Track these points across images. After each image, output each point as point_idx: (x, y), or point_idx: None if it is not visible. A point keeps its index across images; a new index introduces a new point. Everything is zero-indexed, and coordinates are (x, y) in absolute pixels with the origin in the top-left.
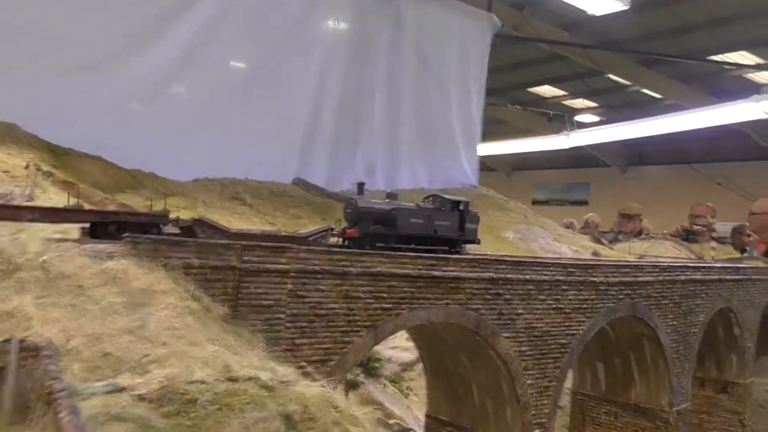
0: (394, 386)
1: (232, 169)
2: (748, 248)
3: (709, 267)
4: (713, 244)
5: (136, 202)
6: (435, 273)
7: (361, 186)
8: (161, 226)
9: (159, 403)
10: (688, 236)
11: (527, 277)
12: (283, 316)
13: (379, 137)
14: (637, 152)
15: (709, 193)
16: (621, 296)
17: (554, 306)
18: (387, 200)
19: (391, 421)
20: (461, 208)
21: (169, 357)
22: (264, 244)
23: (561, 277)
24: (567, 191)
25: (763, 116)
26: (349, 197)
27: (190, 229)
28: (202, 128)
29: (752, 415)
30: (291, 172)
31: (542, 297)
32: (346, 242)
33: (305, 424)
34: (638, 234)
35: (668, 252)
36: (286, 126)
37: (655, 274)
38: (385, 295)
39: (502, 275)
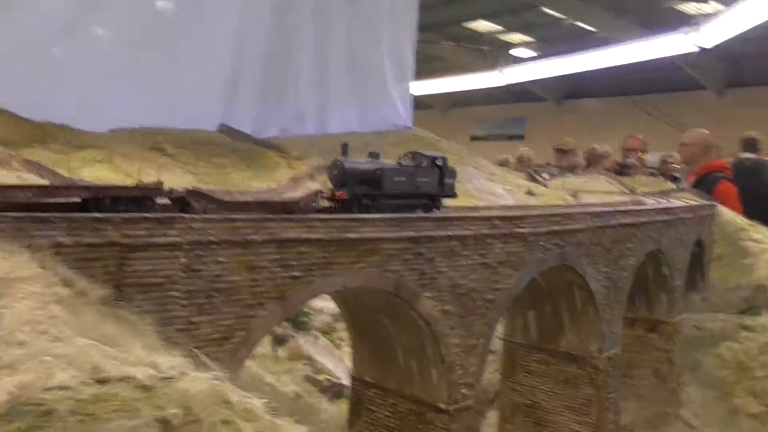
0: (325, 337)
1: (152, 118)
2: (678, 177)
3: (639, 210)
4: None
5: (46, 157)
6: (350, 235)
7: (345, 146)
8: (154, 198)
9: (6, 420)
10: (621, 170)
11: (450, 233)
12: (176, 293)
13: (307, 79)
14: (572, 85)
15: (644, 125)
16: (550, 246)
17: (480, 261)
18: (370, 160)
19: (320, 377)
20: (439, 164)
21: (26, 359)
22: (149, 215)
23: (486, 231)
24: (504, 126)
25: (694, 49)
26: (335, 159)
27: (183, 200)
28: (118, 74)
29: (680, 351)
30: (215, 119)
31: (467, 253)
32: (335, 205)
33: (186, 428)
34: (573, 169)
35: (602, 187)
36: (208, 70)
37: (585, 221)
38: (294, 262)
39: (423, 233)
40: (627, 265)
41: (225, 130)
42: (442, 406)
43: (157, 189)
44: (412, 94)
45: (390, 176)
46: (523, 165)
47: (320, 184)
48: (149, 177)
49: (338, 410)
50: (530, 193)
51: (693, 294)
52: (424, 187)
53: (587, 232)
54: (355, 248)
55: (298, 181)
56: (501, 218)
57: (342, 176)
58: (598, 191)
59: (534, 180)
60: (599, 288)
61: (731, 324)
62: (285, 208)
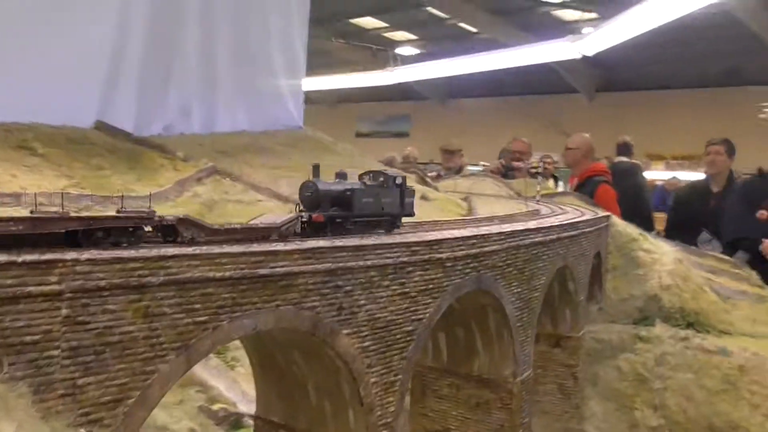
0: (218, 357)
1: (19, 112)
2: (558, 176)
3: (548, 228)
4: (537, 182)
5: None
6: (261, 271)
7: (316, 167)
8: (144, 227)
9: None
10: (507, 172)
11: (369, 263)
12: (56, 352)
13: (193, 74)
14: (455, 85)
15: (524, 126)
16: (467, 270)
17: (399, 291)
18: (338, 180)
19: (215, 407)
20: (399, 183)
21: None
22: (21, 259)
23: (405, 258)
24: (389, 123)
25: (578, 56)
26: (307, 180)
27: (173, 228)
28: None
29: (583, 366)
30: (91, 115)
31: (386, 283)
32: (309, 228)
33: None
34: (459, 170)
35: (490, 189)
36: (83, 60)
37: (500, 243)
38: (198, 305)
39: (341, 264)
40: (538, 284)
41: (102, 127)
42: None
43: (150, 218)
44: (303, 92)
45: (359, 197)
46: (409, 164)
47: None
48: (16, 181)
49: None
50: (424, 197)
51: (591, 305)
52: (387, 206)
53: (502, 253)
54: (268, 285)
55: (183, 184)
56: (420, 243)
57: (316, 198)
58: (488, 194)
59: (425, 182)
60: (513, 310)
61: (628, 335)
62: (265, 234)
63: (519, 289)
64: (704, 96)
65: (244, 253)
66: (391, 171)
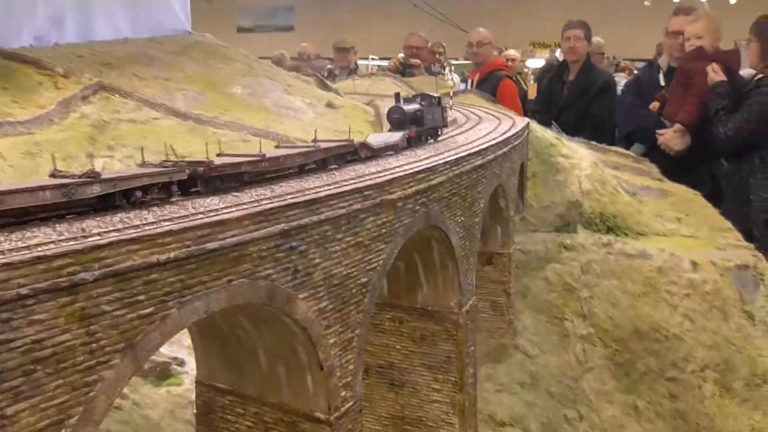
0: None
1: None
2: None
3: (487, 148)
4: (450, 79)
5: None
6: (210, 246)
7: (397, 95)
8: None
9: None
10: (404, 70)
11: (323, 216)
12: None
13: None
14: None
15: (416, 19)
16: (417, 207)
17: (353, 242)
18: (407, 103)
19: None
20: (439, 102)
21: None
22: None
23: (358, 205)
24: (272, 17)
25: None
26: (394, 105)
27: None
28: None
29: (514, 281)
30: None
31: (340, 235)
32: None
33: None
34: (354, 70)
35: (390, 89)
36: None
37: (446, 173)
38: (141, 296)
39: (294, 223)
40: (478, 209)
41: None
42: (321, 416)
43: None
44: None
45: (426, 115)
46: (303, 63)
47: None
48: None
49: (170, 398)
50: (330, 105)
51: (515, 216)
52: (436, 121)
53: (447, 183)
54: (219, 259)
55: (68, 105)
56: (372, 186)
57: (403, 119)
58: (386, 94)
59: (325, 86)
60: (457, 240)
61: (552, 244)
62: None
63: (462, 218)
64: None
65: (188, 228)
66: (433, 94)
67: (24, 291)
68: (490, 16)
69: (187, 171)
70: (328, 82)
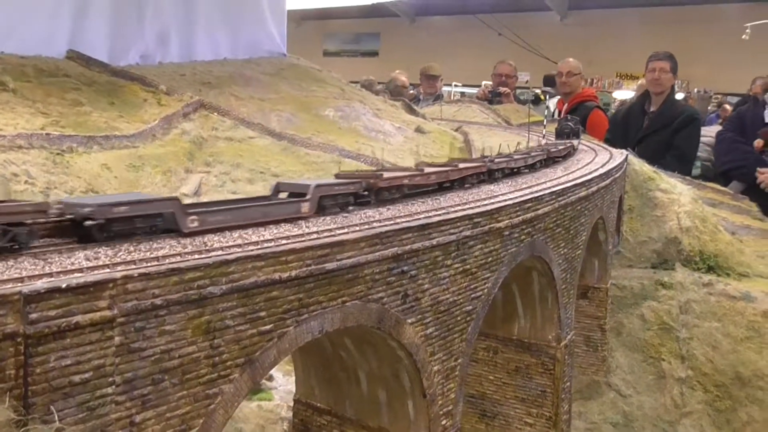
0: None
1: None
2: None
3: (591, 180)
4: (546, 107)
5: None
6: (328, 266)
7: (565, 119)
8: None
9: None
10: (493, 98)
11: (434, 242)
12: (110, 389)
13: None
14: (423, 1)
15: (494, 45)
16: (522, 237)
17: (461, 269)
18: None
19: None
20: (574, 120)
21: None
22: (66, 283)
23: (468, 232)
24: (357, 42)
25: None
26: (562, 119)
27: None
28: None
29: (610, 317)
30: (62, 43)
31: (449, 262)
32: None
33: None
34: (440, 96)
35: (477, 117)
36: None
37: (552, 203)
38: (263, 313)
39: (407, 248)
40: (580, 241)
41: (75, 56)
42: None
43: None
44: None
45: (573, 130)
46: (397, 89)
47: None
48: None
49: (261, 413)
50: (419, 130)
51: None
52: (576, 133)
53: (552, 214)
54: (335, 280)
55: (170, 121)
56: (481, 214)
57: (568, 131)
58: (472, 122)
59: (411, 111)
60: (559, 273)
61: (649, 281)
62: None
63: (565, 250)
64: (676, 13)
65: (309, 248)
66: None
67: (158, 302)
68: (577, 45)
69: (363, 183)
70: (416, 109)
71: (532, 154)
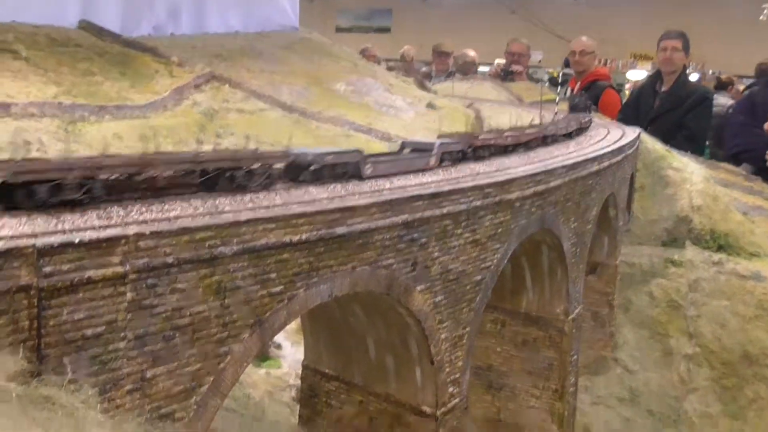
0: None
1: None
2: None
3: (603, 155)
4: (557, 100)
5: None
6: (339, 231)
7: (583, 95)
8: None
9: None
10: (506, 76)
11: (445, 210)
12: (122, 344)
13: None
14: None
15: (506, 24)
16: (533, 209)
17: (471, 239)
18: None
19: None
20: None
21: None
22: (78, 239)
23: (478, 203)
24: (370, 18)
25: None
26: (577, 95)
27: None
28: None
29: (618, 294)
30: (74, 13)
31: (459, 231)
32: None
33: None
34: (450, 74)
35: (489, 94)
36: None
37: (563, 177)
38: (273, 275)
39: (417, 215)
40: (590, 216)
41: (87, 26)
42: (427, 410)
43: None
44: None
45: (584, 104)
46: (406, 65)
47: None
48: (2, 89)
49: (270, 380)
50: (431, 106)
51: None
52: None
53: (563, 188)
54: (345, 245)
55: (181, 92)
56: (492, 185)
57: (583, 106)
58: (485, 99)
59: (423, 87)
60: (569, 247)
61: (658, 259)
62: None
63: (575, 224)
64: None
65: (320, 212)
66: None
67: (169, 260)
68: (591, 25)
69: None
70: (427, 85)
71: (571, 123)
